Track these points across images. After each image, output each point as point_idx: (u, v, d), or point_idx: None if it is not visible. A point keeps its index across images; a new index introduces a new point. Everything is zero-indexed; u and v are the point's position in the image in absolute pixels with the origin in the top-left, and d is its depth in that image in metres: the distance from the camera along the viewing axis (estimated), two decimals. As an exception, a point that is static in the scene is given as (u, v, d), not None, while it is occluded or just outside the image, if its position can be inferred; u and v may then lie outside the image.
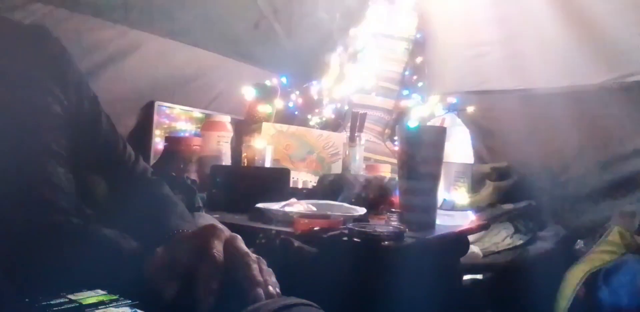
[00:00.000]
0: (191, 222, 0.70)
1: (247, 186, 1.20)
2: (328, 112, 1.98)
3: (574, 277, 1.34)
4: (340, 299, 0.73)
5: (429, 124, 1.74)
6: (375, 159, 1.88)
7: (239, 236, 0.57)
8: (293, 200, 1.08)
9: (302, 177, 1.54)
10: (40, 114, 0.63)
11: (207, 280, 0.50)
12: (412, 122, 1.77)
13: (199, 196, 1.05)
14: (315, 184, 1.39)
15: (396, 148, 1.39)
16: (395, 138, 1.78)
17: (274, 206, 1.04)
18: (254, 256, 0.55)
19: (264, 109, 1.69)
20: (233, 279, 0.52)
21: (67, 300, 0.45)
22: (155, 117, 1.58)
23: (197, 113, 1.72)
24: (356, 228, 0.85)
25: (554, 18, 1.77)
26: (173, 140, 1.44)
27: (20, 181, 0.57)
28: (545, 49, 1.80)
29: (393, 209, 1.09)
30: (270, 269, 0.56)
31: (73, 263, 0.50)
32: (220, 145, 1.48)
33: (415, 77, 2.14)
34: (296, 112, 1.89)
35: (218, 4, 1.68)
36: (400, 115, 2.08)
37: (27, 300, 0.44)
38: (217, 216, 1.00)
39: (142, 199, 0.71)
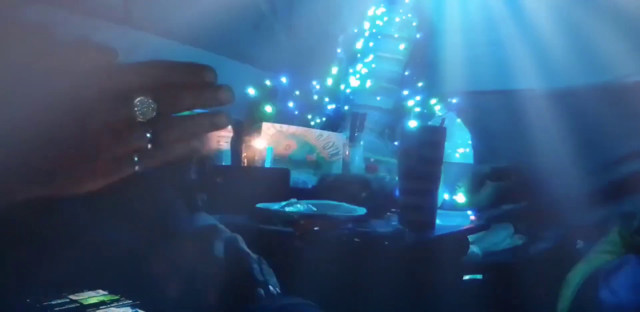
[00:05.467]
0: (191, 222, 0.70)
1: (247, 186, 1.20)
2: (328, 112, 1.98)
3: (574, 277, 1.34)
4: (340, 299, 0.73)
5: (429, 124, 1.75)
6: (375, 159, 1.88)
7: (239, 236, 0.57)
8: (293, 200, 1.08)
9: (302, 177, 1.54)
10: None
11: (208, 280, 0.50)
12: (412, 122, 1.77)
13: (199, 196, 1.05)
14: (315, 184, 1.39)
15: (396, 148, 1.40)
16: (396, 138, 1.78)
17: (274, 206, 1.04)
18: (254, 256, 0.56)
19: (264, 109, 1.69)
20: (233, 279, 0.52)
21: (68, 300, 0.45)
22: (156, 117, 1.57)
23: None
24: (356, 228, 0.86)
25: (555, 18, 1.77)
26: (173, 141, 1.44)
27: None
28: (545, 49, 1.80)
29: (393, 209, 1.09)
30: (271, 269, 0.56)
31: (74, 263, 0.50)
32: (220, 146, 1.48)
33: (415, 77, 2.14)
34: (296, 112, 1.89)
35: (218, 4, 1.68)
36: (400, 115, 2.08)
37: (28, 300, 0.44)
38: (217, 216, 1.00)
39: (143, 200, 0.71)
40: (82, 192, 0.36)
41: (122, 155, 0.35)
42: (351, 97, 2.04)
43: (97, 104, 0.34)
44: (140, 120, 0.35)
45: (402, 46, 2.10)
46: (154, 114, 0.35)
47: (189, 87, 0.37)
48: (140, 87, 0.35)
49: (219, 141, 1.49)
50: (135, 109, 0.34)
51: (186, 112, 0.38)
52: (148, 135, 0.35)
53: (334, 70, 2.01)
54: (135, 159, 0.35)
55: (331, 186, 1.24)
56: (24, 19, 0.39)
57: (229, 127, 1.53)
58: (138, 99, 0.34)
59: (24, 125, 0.33)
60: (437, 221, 1.02)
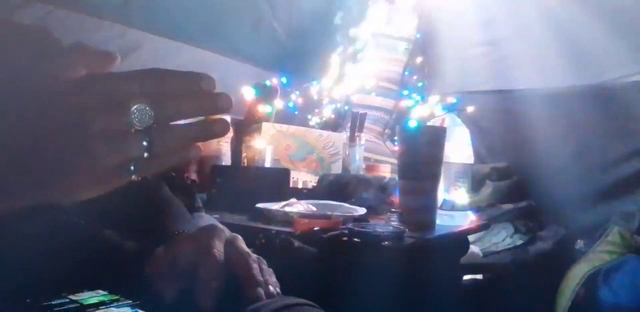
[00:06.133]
0: (191, 222, 0.70)
1: (247, 186, 1.20)
2: (328, 112, 1.98)
3: (574, 277, 1.35)
4: (340, 299, 0.73)
5: (429, 124, 1.75)
6: (375, 159, 1.88)
7: (239, 236, 0.57)
8: (293, 200, 1.08)
9: (302, 177, 1.55)
10: None
11: (208, 280, 0.50)
12: (412, 122, 1.77)
13: (199, 196, 1.05)
14: (315, 184, 1.39)
15: (396, 148, 1.40)
16: (395, 138, 1.78)
17: (274, 206, 1.04)
18: (254, 256, 0.55)
19: (264, 109, 1.69)
20: (233, 279, 0.52)
21: (68, 300, 0.45)
22: (155, 117, 1.57)
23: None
24: (356, 228, 0.86)
25: (555, 18, 1.77)
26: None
27: None
28: (545, 49, 1.80)
29: (393, 209, 1.09)
30: (271, 269, 0.56)
31: (74, 263, 0.50)
32: (220, 145, 1.48)
33: (415, 77, 2.14)
34: (296, 112, 1.89)
35: (218, 4, 1.68)
36: (400, 115, 2.08)
37: (28, 300, 0.44)
38: (217, 216, 1.00)
39: (142, 200, 0.71)
40: (78, 199, 0.36)
41: (119, 163, 0.35)
42: (351, 97, 2.05)
43: (94, 111, 0.34)
44: (138, 128, 0.34)
45: (402, 46, 2.10)
46: (151, 122, 0.35)
47: (187, 95, 0.37)
48: (137, 95, 0.35)
49: (219, 141, 1.49)
50: (133, 116, 0.34)
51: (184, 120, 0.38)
52: (145, 143, 0.35)
53: (334, 70, 2.01)
54: (132, 167, 0.35)
55: (331, 186, 1.24)
56: (24, 21, 0.39)
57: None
58: (135, 106, 0.34)
59: (19, 132, 0.33)
60: (437, 221, 1.02)
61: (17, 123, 0.33)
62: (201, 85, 0.37)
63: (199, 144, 0.40)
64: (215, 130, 0.38)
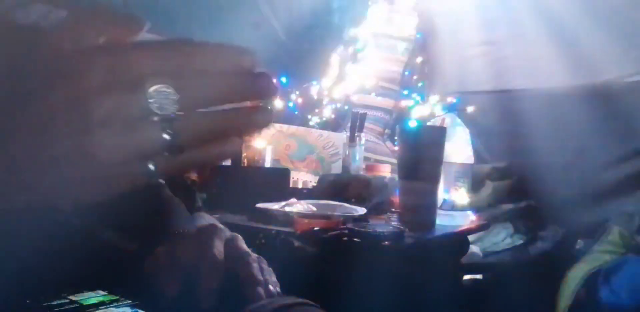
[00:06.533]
0: (191, 222, 0.70)
1: (247, 186, 1.20)
2: (328, 112, 1.98)
3: (574, 277, 1.35)
4: (340, 299, 0.73)
5: (429, 124, 1.74)
6: (375, 159, 1.88)
7: (239, 236, 0.57)
8: (293, 200, 1.08)
9: (302, 177, 1.54)
10: None
11: (208, 279, 0.50)
12: (412, 122, 1.77)
13: (199, 196, 1.05)
14: (315, 184, 1.39)
15: (396, 148, 1.40)
16: (395, 138, 1.78)
17: (274, 206, 1.04)
18: (254, 255, 0.55)
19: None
20: (233, 279, 0.52)
21: (68, 301, 0.45)
22: (156, 117, 1.57)
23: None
24: (356, 228, 0.86)
25: (554, 18, 1.77)
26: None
27: None
28: (544, 49, 1.80)
29: (393, 209, 1.09)
30: (271, 269, 0.56)
31: (74, 263, 0.50)
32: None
33: (415, 77, 2.14)
34: (296, 112, 1.89)
35: (218, 4, 1.68)
36: (400, 115, 2.08)
37: (27, 301, 0.44)
38: (217, 216, 1.00)
39: (142, 200, 0.70)
40: (81, 201, 0.29)
41: (134, 160, 0.27)
42: (351, 97, 2.05)
43: (100, 91, 0.25)
44: (157, 115, 0.26)
45: (402, 46, 2.10)
46: (175, 107, 0.26)
47: (221, 75, 0.28)
48: (157, 73, 0.26)
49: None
50: (151, 100, 0.26)
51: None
52: (166, 135, 0.26)
53: (334, 70, 2.01)
54: (151, 166, 0.27)
55: (331, 186, 1.24)
56: (23, 21, 0.34)
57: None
58: (154, 87, 0.26)
59: (9, 120, 0.26)
60: (437, 221, 1.02)
61: (6, 109, 0.26)
62: (241, 62, 0.29)
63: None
64: (257, 120, 0.29)
